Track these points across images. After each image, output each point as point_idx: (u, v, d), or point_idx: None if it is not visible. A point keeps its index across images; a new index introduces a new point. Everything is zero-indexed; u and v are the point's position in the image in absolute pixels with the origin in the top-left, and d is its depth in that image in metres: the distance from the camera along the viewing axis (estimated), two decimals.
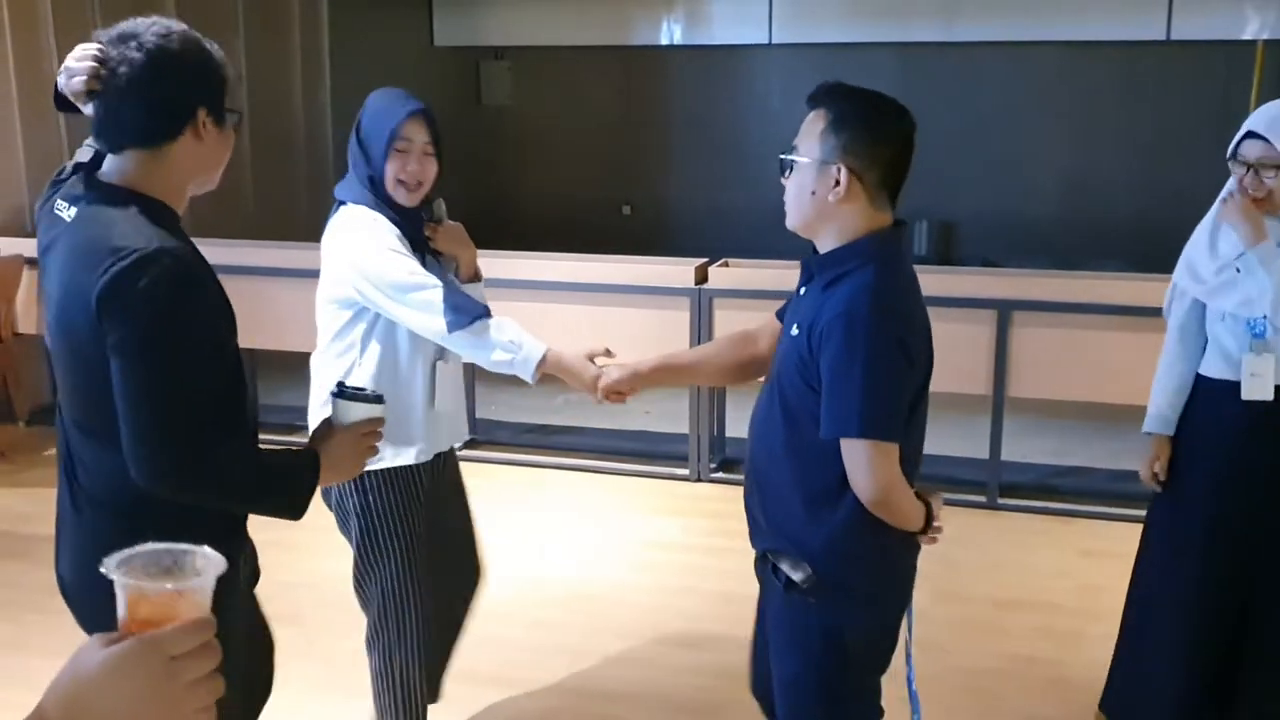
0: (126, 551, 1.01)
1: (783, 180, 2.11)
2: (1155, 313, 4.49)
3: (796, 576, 2.11)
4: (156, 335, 1.70)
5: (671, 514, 4.79)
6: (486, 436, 5.49)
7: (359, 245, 2.51)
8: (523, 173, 10.34)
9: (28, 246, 5.35)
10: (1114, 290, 4.63)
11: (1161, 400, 2.91)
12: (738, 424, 5.54)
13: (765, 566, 2.23)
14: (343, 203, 2.60)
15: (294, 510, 1.86)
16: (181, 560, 1.03)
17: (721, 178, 9.83)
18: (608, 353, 2.64)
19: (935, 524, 2.15)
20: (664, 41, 9.69)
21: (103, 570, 0.99)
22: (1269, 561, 2.83)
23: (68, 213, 1.81)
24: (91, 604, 1.84)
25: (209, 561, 1.03)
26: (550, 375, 2.60)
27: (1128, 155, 9.05)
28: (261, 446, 1.90)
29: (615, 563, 4.32)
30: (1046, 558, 4.26)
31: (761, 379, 2.35)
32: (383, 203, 2.55)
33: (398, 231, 2.55)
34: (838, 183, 2.02)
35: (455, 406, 2.78)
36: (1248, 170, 2.71)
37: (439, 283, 2.49)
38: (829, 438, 2.02)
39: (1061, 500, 4.76)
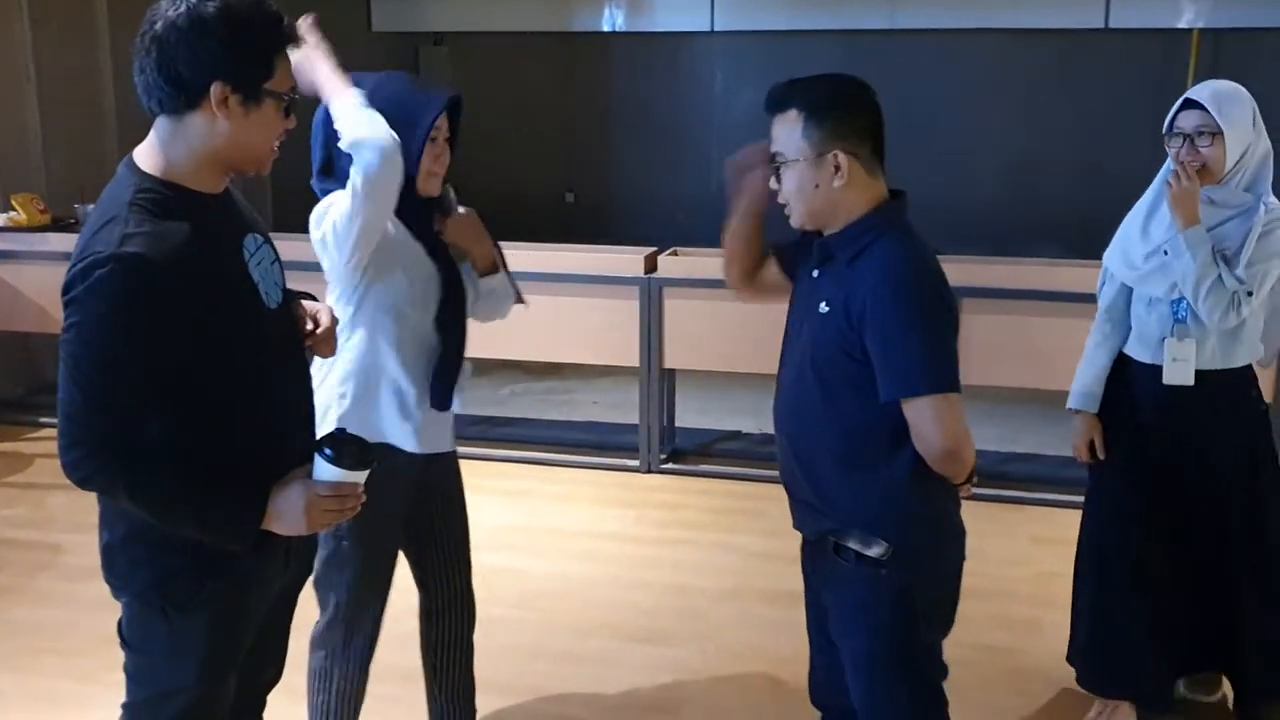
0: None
1: (774, 186, 2.16)
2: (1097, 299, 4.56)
3: (874, 552, 2.15)
4: (83, 339, 1.69)
5: (622, 505, 4.73)
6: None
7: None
8: (463, 160, 10.17)
9: None
10: (1056, 276, 4.64)
11: (1089, 378, 3.00)
12: (687, 414, 5.52)
13: (823, 549, 2.23)
14: (323, 191, 2.47)
15: (229, 539, 1.83)
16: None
17: (665, 165, 9.79)
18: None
19: (974, 477, 2.20)
20: (606, 28, 9.60)
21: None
22: (1208, 530, 2.95)
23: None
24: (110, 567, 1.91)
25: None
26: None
27: (1067, 142, 9.15)
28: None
29: (566, 556, 4.25)
30: (999, 545, 4.27)
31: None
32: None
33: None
34: (838, 168, 2.09)
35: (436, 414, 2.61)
36: (1184, 142, 2.74)
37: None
38: (890, 400, 2.06)
39: (1011, 487, 4.77)
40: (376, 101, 2.37)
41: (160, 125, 1.79)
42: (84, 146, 6.34)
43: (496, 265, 2.64)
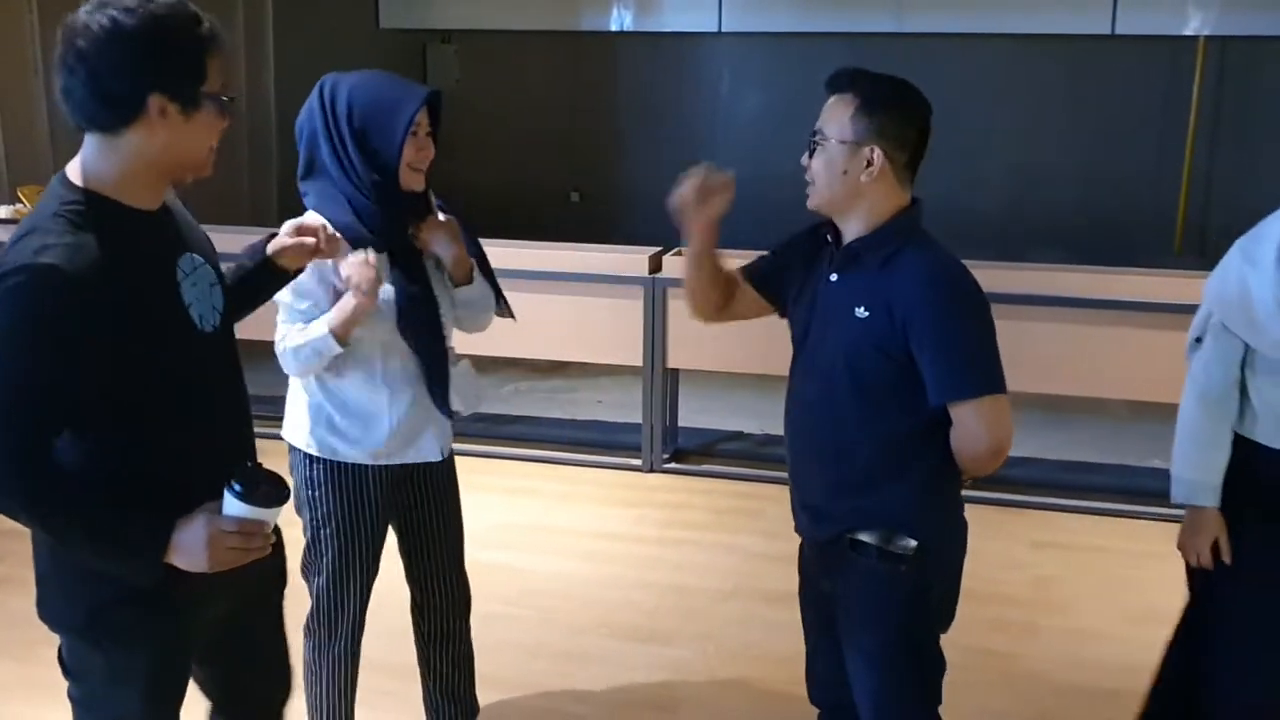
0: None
1: (805, 162, 2.18)
2: (1101, 304, 4.57)
3: (898, 547, 2.17)
4: None
5: (624, 505, 4.74)
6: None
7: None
8: (469, 158, 10.20)
9: None
10: (1061, 281, 4.65)
11: (1215, 465, 2.41)
12: (690, 414, 5.53)
13: (835, 550, 2.25)
14: (305, 194, 2.49)
15: (130, 571, 1.75)
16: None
17: (671, 165, 9.59)
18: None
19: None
20: (613, 27, 9.61)
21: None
22: None
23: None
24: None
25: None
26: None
27: (1072, 147, 9.14)
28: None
29: (568, 555, 4.27)
30: (998, 549, 4.28)
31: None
32: (366, 192, 2.42)
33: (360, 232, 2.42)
34: (870, 163, 2.11)
35: (423, 421, 2.61)
36: None
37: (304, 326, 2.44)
38: (940, 403, 2.09)
39: (1012, 491, 4.77)
40: (357, 98, 2.40)
41: (92, 140, 1.70)
42: None
43: (471, 276, 2.59)
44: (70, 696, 1.91)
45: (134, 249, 1.72)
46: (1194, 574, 2.53)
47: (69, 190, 1.71)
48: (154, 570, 1.73)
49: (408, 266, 2.49)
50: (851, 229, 2.18)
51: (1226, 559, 2.43)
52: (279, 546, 1.99)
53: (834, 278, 2.20)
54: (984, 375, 2.08)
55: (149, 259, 1.76)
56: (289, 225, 2.23)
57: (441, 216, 2.55)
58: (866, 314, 2.12)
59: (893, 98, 2.14)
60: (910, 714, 2.32)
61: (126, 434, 1.75)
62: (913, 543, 2.16)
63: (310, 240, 2.16)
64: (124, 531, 1.73)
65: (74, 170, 1.73)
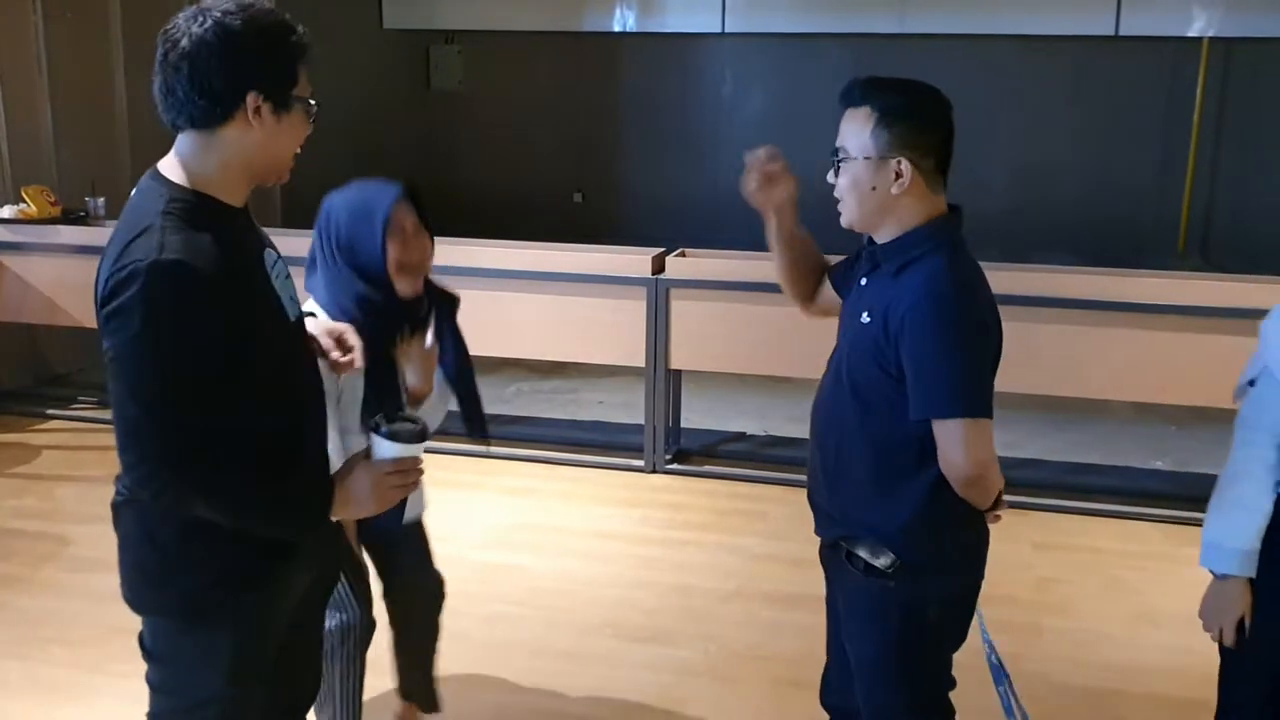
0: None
1: (831, 180, 2.11)
2: (1104, 306, 4.56)
3: (880, 563, 2.14)
4: (136, 350, 1.69)
5: (626, 505, 4.74)
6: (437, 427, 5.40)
7: None
8: (472, 159, 10.22)
9: None
10: (1063, 283, 4.64)
11: (1251, 531, 2.18)
12: (692, 415, 5.53)
13: (837, 555, 2.25)
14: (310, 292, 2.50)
15: (303, 526, 1.89)
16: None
17: (673, 166, 9.80)
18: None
19: (1001, 503, 2.17)
20: (616, 28, 9.62)
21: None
22: None
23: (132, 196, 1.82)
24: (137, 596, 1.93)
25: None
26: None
27: (1076, 149, 9.15)
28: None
29: (570, 555, 4.26)
30: (1001, 551, 4.20)
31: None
32: (361, 286, 2.43)
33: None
34: (898, 175, 2.05)
35: None
36: None
37: None
38: (920, 419, 2.03)
39: (1014, 493, 4.74)
40: (340, 214, 2.44)
41: (188, 140, 1.79)
42: (95, 139, 6.37)
43: (422, 401, 2.59)
44: (149, 681, 1.95)
45: (240, 244, 1.82)
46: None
47: (171, 188, 1.78)
48: (321, 524, 1.89)
49: (380, 380, 2.47)
50: (884, 237, 2.13)
51: (1246, 630, 2.25)
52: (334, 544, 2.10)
53: (864, 281, 2.19)
54: (964, 397, 2.01)
55: (250, 254, 1.86)
56: (328, 328, 2.21)
57: (429, 338, 2.52)
58: (868, 320, 2.11)
59: (911, 105, 2.07)
60: None
61: (253, 413, 1.82)
62: (890, 558, 2.13)
63: (335, 355, 2.17)
64: (293, 496, 1.85)
65: (171, 169, 1.80)
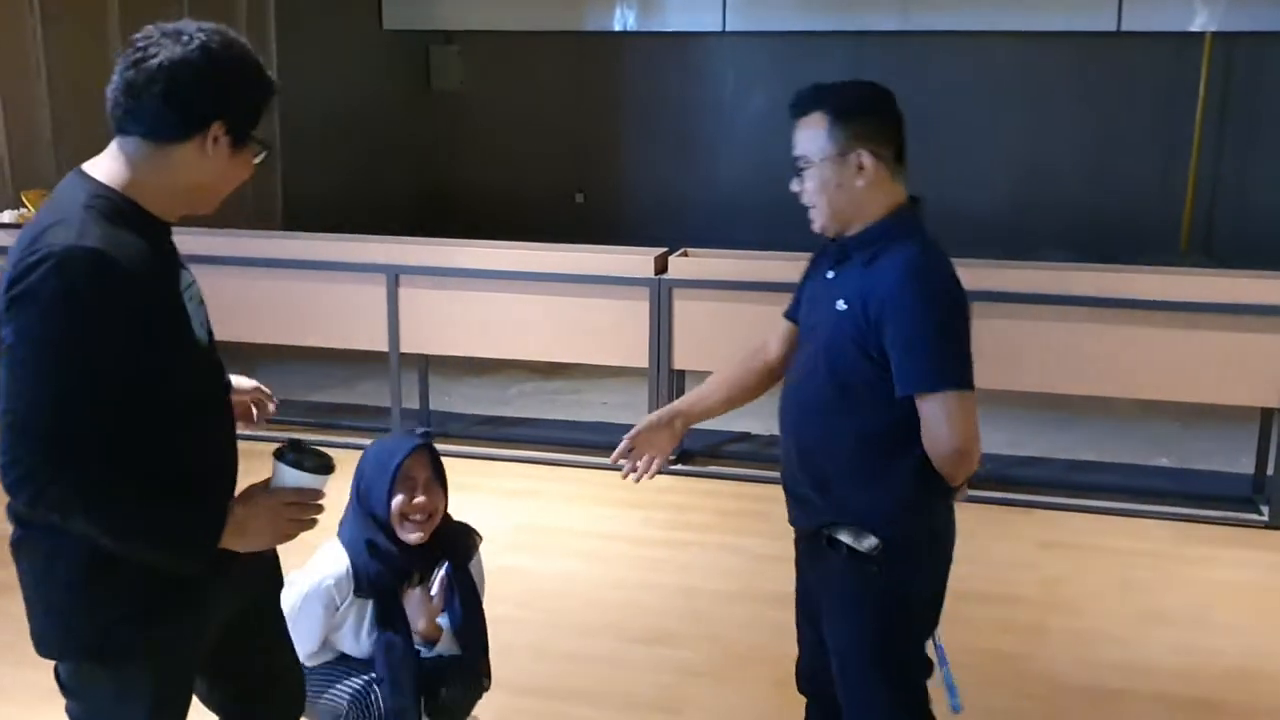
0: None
1: (795, 188, 2.19)
2: (1107, 303, 4.55)
3: (864, 546, 2.16)
4: (37, 335, 1.60)
5: (629, 506, 4.73)
6: (439, 428, 5.40)
7: (308, 575, 2.55)
8: (473, 159, 10.21)
9: None
10: (1066, 280, 4.63)
11: None
12: None
13: (816, 543, 2.27)
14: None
15: (189, 556, 1.75)
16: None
17: (675, 165, 9.79)
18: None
19: (968, 480, 2.21)
20: (617, 27, 9.62)
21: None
22: None
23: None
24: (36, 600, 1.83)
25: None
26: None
27: (1078, 145, 9.13)
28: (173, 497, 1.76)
29: (573, 556, 4.25)
30: (1005, 549, 4.26)
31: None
32: (371, 531, 2.55)
33: (351, 582, 2.54)
34: (861, 167, 2.12)
35: None
36: None
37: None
38: (906, 394, 2.08)
39: (1019, 491, 4.76)
40: (369, 454, 2.59)
41: (134, 145, 1.76)
42: (94, 143, 6.26)
43: (433, 643, 2.66)
44: (70, 715, 1.89)
45: (158, 253, 1.77)
46: None
47: (96, 185, 1.75)
48: (209, 555, 1.74)
49: (389, 618, 2.55)
50: (854, 230, 2.20)
51: None
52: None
53: (830, 274, 2.24)
54: (949, 370, 2.07)
55: (167, 266, 1.81)
56: (251, 385, 2.20)
57: (435, 590, 2.60)
58: (845, 307, 2.15)
59: (862, 100, 2.16)
60: (883, 715, 2.31)
61: (155, 427, 1.74)
62: (875, 541, 2.16)
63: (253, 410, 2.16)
64: (184, 518, 1.74)
65: (100, 170, 1.78)
